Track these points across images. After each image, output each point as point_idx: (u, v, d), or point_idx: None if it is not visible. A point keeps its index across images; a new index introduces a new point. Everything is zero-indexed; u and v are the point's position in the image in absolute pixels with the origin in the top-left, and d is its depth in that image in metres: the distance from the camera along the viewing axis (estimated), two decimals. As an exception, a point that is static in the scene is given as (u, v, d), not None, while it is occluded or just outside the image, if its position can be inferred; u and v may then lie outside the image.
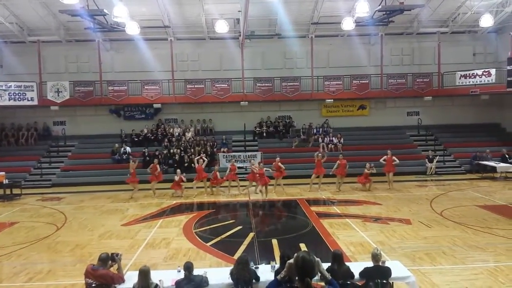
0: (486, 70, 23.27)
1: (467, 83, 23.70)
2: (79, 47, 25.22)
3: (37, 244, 11.84)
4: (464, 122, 25.97)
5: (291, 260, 3.46)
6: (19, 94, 22.93)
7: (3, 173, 19.32)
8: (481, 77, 23.25)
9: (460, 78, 23.95)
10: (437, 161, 22.71)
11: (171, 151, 22.96)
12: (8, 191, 19.02)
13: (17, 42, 24.34)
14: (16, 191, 19.39)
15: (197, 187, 19.01)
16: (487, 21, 22.14)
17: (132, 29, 20.48)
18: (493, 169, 21.23)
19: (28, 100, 23.18)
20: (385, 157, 19.03)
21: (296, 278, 3.66)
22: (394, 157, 18.88)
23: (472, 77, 23.52)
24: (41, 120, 25.72)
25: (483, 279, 8.46)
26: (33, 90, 23.22)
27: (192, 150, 22.82)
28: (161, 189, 19.18)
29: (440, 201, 16.13)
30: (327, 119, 26.07)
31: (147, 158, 22.51)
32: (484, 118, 25.94)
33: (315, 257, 3.70)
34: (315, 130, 25.35)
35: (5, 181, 19.11)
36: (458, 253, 10.01)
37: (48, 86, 23.59)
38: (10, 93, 22.79)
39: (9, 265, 10.09)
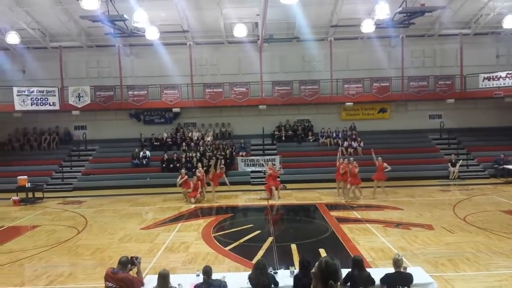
0: (510, 72, 22.76)
1: (491, 86, 23.23)
2: (100, 52, 25.58)
3: (58, 247, 11.97)
4: (488, 125, 25.30)
5: (314, 270, 3.29)
6: (41, 99, 23.34)
7: (26, 177, 19.67)
8: (505, 80, 22.77)
9: (483, 81, 23.47)
10: (460, 165, 22.23)
11: (189, 154, 23.02)
12: (30, 195, 19.37)
13: (39, 48, 24.78)
14: (38, 194, 19.75)
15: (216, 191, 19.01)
16: (510, 22, 21.62)
17: (152, 34, 20.71)
18: (518, 174, 20.72)
19: (50, 105, 23.58)
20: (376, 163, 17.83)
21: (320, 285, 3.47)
22: (385, 164, 17.62)
23: (496, 79, 23.04)
24: (63, 124, 26.10)
25: (508, 285, 8.25)
26: (54, 95, 23.63)
27: (210, 154, 22.85)
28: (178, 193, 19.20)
29: (463, 206, 15.77)
30: (353, 123, 25.77)
31: (166, 162, 22.73)
32: (509, 121, 25.26)
33: (338, 262, 3.50)
34: (334, 134, 25.13)
35: (28, 185, 19.48)
36: (481, 259, 9.75)
37: (69, 91, 23.94)
38: (33, 98, 23.22)
39: (31, 268, 10.23)
